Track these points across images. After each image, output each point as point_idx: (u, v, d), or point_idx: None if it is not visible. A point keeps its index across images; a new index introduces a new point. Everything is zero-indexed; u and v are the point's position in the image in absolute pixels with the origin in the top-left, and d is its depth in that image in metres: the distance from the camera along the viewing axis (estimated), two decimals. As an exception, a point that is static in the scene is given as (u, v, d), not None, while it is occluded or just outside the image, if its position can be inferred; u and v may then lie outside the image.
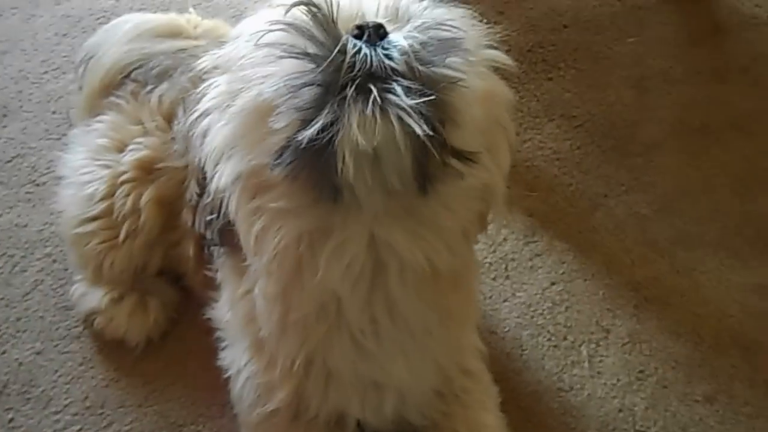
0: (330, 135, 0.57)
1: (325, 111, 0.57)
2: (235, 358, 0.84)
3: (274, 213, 0.64)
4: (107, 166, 1.00)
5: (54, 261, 1.12)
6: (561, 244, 1.13)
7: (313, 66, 0.59)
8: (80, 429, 0.96)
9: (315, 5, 0.61)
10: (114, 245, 1.00)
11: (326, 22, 0.60)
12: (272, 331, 0.75)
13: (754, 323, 1.05)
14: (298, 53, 0.60)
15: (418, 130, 0.57)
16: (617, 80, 1.32)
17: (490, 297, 1.07)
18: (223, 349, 0.88)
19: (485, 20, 0.69)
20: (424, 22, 0.61)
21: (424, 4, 0.64)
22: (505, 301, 1.07)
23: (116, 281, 1.03)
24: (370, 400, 0.80)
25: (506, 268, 1.11)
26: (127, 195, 0.98)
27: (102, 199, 0.99)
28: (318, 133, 0.57)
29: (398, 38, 0.60)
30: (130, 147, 1.00)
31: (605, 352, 1.01)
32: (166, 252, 1.02)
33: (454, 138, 0.60)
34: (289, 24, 0.61)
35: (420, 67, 0.59)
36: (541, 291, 1.08)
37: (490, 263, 1.11)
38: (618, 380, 0.99)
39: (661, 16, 1.40)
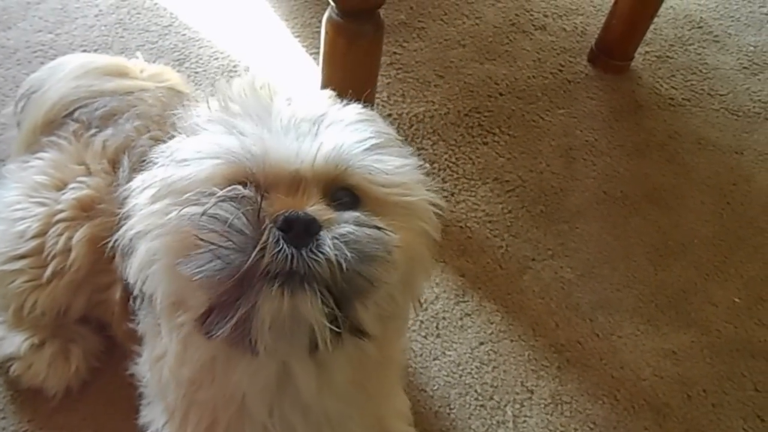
0: (246, 318, 0.61)
1: (242, 301, 0.61)
2: (154, 418, 0.83)
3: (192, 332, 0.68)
4: (43, 204, 0.98)
5: (-27, 301, 1.07)
6: (490, 304, 1.18)
7: (234, 255, 0.61)
8: (-5, 483, 0.92)
9: (242, 198, 0.63)
10: (38, 285, 0.97)
11: (252, 215, 0.62)
12: (178, 404, 0.76)
13: (666, 387, 1.11)
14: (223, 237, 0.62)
15: (320, 337, 0.62)
16: (547, 149, 1.40)
17: (421, 355, 1.10)
18: (143, 406, 0.86)
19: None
20: (353, 235, 0.63)
21: (365, 154, 0.67)
22: (435, 359, 1.10)
23: (37, 325, 1.00)
24: None
25: (437, 327, 1.14)
26: (61, 234, 0.96)
27: (33, 237, 0.96)
28: (235, 317, 0.62)
29: (326, 245, 0.61)
30: (72, 185, 0.98)
31: (529, 413, 1.06)
32: (91, 296, 0.99)
33: (359, 318, 0.66)
34: (215, 215, 0.63)
35: (339, 278, 0.62)
36: (470, 350, 1.12)
37: (422, 321, 1.14)
38: (540, 441, 1.04)
39: (589, 91, 1.50)
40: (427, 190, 0.73)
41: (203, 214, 0.62)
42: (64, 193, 0.98)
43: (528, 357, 1.12)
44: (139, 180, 0.72)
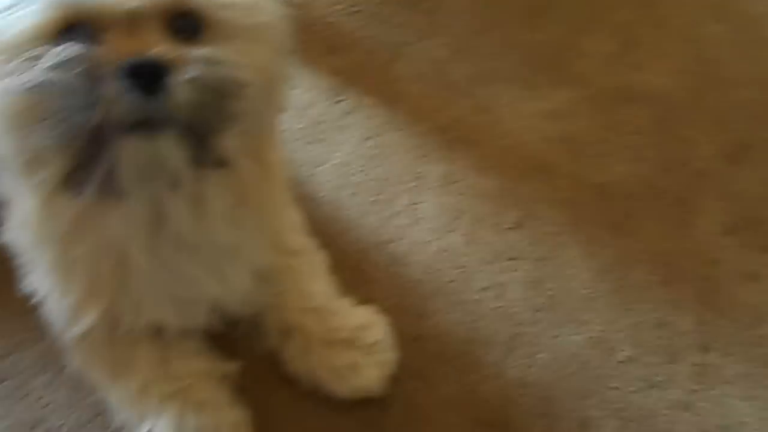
0: (109, 170, 0.59)
1: (102, 156, 0.59)
2: (40, 283, 0.78)
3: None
4: None
5: None
6: (368, 98, 1.13)
7: (81, 115, 0.57)
8: None
9: (75, 57, 0.57)
10: None
11: (91, 69, 0.57)
12: (58, 264, 0.72)
13: (549, 146, 1.12)
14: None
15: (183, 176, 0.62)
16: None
17: (306, 163, 1.06)
18: (25, 274, 0.80)
19: None
20: (203, 77, 0.59)
21: None
22: (320, 165, 1.06)
23: None
24: (184, 312, 0.78)
25: (318, 131, 1.09)
26: None
27: None
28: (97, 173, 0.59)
29: (176, 90, 0.58)
30: None
31: (421, 198, 1.05)
32: None
33: (220, 150, 0.64)
34: (49, 82, 0.57)
35: (194, 119, 0.60)
36: (355, 149, 1.08)
37: (302, 128, 1.09)
38: (436, 223, 1.04)
39: None
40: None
41: (35, 85, 0.57)
42: None
43: (414, 144, 1.10)
44: None
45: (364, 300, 0.96)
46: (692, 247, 1.05)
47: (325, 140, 1.08)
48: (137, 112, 0.57)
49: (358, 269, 0.99)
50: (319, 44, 1.16)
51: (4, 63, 0.59)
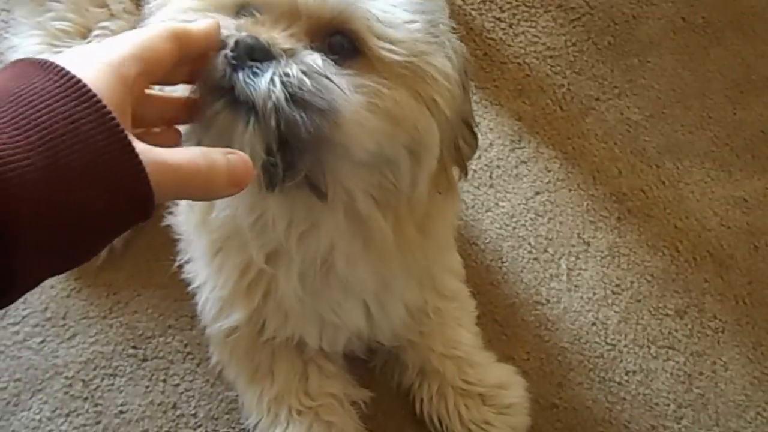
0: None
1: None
2: (198, 272, 0.83)
3: None
4: None
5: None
6: (548, 150, 1.11)
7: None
8: (42, 341, 0.95)
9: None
10: None
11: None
12: (211, 249, 0.76)
13: (732, 238, 1.06)
14: None
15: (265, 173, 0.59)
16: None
17: (472, 207, 1.07)
18: (186, 262, 0.86)
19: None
20: (298, 76, 0.56)
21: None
22: (487, 211, 1.07)
23: None
24: (327, 335, 0.81)
25: (491, 176, 1.09)
26: None
27: None
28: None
29: (262, 76, 0.55)
30: (95, 33, 0.93)
31: (584, 266, 1.03)
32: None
33: (313, 174, 0.61)
34: None
35: (277, 117, 0.56)
36: (524, 201, 1.07)
37: (475, 170, 1.09)
38: (594, 294, 1.02)
39: None
40: (449, 55, 0.62)
41: None
42: (89, 41, 0.92)
43: (586, 207, 1.07)
44: None
45: (505, 357, 0.96)
46: None
47: (496, 186, 1.08)
48: (224, 80, 0.56)
49: (505, 324, 0.99)
50: (508, 84, 1.15)
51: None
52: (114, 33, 0.92)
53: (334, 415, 0.86)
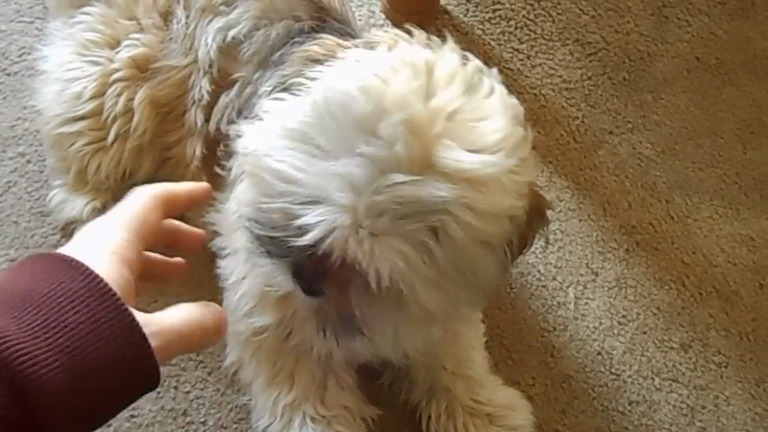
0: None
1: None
2: (236, 267, 0.86)
3: None
4: (97, 63, 0.96)
5: (28, 161, 1.07)
6: (560, 180, 1.13)
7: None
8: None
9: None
10: (101, 147, 0.98)
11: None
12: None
13: (738, 275, 1.08)
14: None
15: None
16: (637, 5, 1.26)
17: (486, 231, 1.08)
18: (223, 257, 0.89)
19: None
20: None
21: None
22: (499, 236, 1.08)
23: (100, 188, 1.01)
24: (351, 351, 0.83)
25: (504, 202, 1.11)
26: (119, 94, 0.96)
27: (91, 98, 0.96)
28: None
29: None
30: (125, 43, 0.96)
31: (591, 295, 1.05)
32: (157, 156, 1.00)
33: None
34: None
35: None
36: (535, 228, 1.09)
37: (488, 195, 1.11)
38: (600, 323, 1.03)
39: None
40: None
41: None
42: (118, 52, 0.96)
43: (596, 238, 1.09)
44: (266, 109, 0.69)
45: (511, 381, 0.97)
46: None
47: (509, 211, 1.10)
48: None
49: (511, 349, 1.01)
50: (524, 113, 1.17)
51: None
52: (144, 45, 0.95)
53: (345, 427, 0.88)
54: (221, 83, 0.91)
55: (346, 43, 0.73)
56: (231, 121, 0.86)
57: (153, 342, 0.47)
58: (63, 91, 0.97)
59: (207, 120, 0.92)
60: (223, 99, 0.90)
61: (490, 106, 0.65)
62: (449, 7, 1.24)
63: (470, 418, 0.91)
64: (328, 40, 0.76)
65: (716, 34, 1.24)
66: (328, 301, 0.67)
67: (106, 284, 0.46)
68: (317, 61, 0.70)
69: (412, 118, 0.59)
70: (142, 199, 0.55)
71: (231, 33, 0.90)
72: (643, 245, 1.09)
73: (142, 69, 0.96)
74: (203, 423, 0.94)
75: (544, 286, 1.05)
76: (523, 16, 1.25)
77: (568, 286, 1.05)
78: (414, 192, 0.59)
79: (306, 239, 0.60)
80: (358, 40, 0.75)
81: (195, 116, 0.94)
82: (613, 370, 1.01)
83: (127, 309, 0.46)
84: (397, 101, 0.59)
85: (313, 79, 0.67)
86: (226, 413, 0.95)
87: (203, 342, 0.54)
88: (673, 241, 1.09)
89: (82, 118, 0.97)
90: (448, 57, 0.66)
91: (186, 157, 0.96)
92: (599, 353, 1.02)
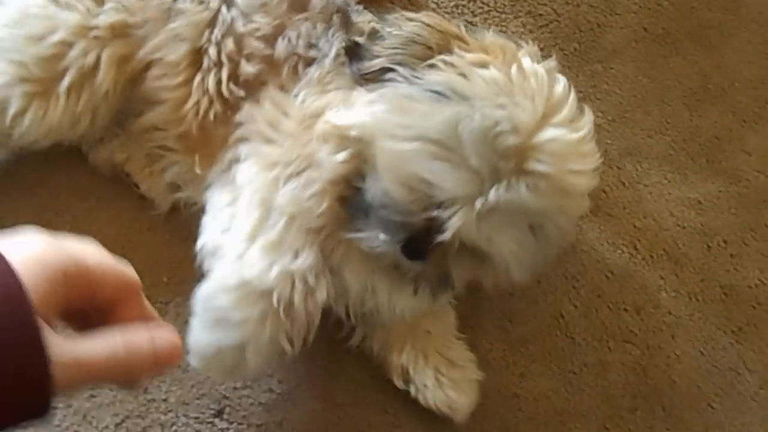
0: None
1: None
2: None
3: None
4: (73, 9, 0.91)
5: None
6: (515, 150, 1.15)
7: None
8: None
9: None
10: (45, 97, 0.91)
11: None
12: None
13: (686, 237, 1.11)
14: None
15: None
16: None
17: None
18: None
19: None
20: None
21: None
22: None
23: None
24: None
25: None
26: (89, 50, 0.91)
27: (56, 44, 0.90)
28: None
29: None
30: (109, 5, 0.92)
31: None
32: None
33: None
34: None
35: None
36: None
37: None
38: (556, 288, 1.06)
39: None
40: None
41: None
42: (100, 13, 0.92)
43: (550, 205, 1.11)
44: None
45: (470, 347, 0.99)
46: (813, 375, 1.02)
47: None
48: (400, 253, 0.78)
49: (469, 315, 1.03)
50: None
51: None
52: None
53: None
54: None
55: (461, 35, 0.82)
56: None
57: (57, 372, 0.42)
58: (20, 32, 0.91)
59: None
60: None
61: (585, 130, 0.81)
62: (402, -20, 1.24)
63: (437, 359, 0.95)
64: (437, 20, 0.83)
65: (662, 5, 1.27)
66: (429, 265, 0.79)
67: (24, 291, 0.41)
68: (430, 49, 0.80)
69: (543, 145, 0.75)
70: (34, 262, 0.45)
71: None
72: (596, 211, 1.11)
73: (117, 33, 0.92)
74: (165, 400, 0.94)
75: (501, 254, 1.07)
76: (476, -11, 1.26)
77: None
78: (527, 199, 0.74)
79: (444, 236, 0.75)
80: (471, 40, 0.83)
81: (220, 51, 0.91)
82: (568, 334, 1.04)
83: (38, 326, 0.41)
84: (530, 130, 0.74)
85: (432, 74, 0.78)
86: (188, 390, 0.95)
87: (128, 378, 0.49)
88: (625, 206, 1.12)
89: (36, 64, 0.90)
90: (561, 81, 0.81)
91: (185, 102, 0.92)
92: (555, 317, 1.04)
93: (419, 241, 0.77)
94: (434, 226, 0.76)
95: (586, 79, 1.21)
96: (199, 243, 0.86)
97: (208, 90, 0.91)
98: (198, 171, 0.92)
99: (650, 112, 1.19)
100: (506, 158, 0.73)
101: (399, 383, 0.95)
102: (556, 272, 1.06)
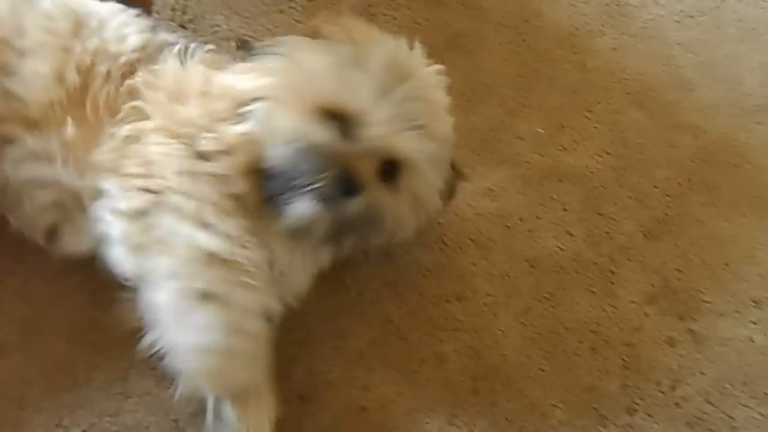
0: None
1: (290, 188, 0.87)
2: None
3: None
4: None
5: None
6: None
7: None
8: None
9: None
10: None
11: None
12: None
13: (486, 223, 1.20)
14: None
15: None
16: (344, 8, 1.37)
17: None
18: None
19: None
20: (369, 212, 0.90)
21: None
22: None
23: None
24: None
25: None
26: None
27: None
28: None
29: (349, 207, 0.87)
30: None
31: (367, 273, 1.11)
32: None
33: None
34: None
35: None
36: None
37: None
38: (379, 295, 1.09)
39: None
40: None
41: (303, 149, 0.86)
42: None
43: (358, 221, 1.15)
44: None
45: (308, 372, 1.00)
46: (617, 316, 1.13)
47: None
48: (329, 194, 0.85)
49: (303, 344, 1.03)
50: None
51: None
52: None
53: None
54: None
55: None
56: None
57: None
58: None
59: None
60: None
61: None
62: None
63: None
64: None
65: (419, 22, 1.38)
66: (360, 201, 0.86)
67: None
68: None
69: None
70: None
71: None
72: (401, 217, 1.17)
73: None
74: None
75: (320, 275, 1.09)
76: (244, 33, 1.30)
77: (342, 271, 1.10)
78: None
79: (370, 146, 0.87)
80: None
81: None
82: (400, 336, 1.07)
83: None
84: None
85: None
86: None
87: None
88: (426, 207, 1.19)
89: None
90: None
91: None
92: (384, 323, 1.08)
93: (350, 172, 0.84)
94: (355, 152, 0.85)
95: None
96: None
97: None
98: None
99: (430, 118, 1.28)
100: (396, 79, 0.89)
101: None
102: (376, 282, 1.10)
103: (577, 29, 1.41)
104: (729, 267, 1.18)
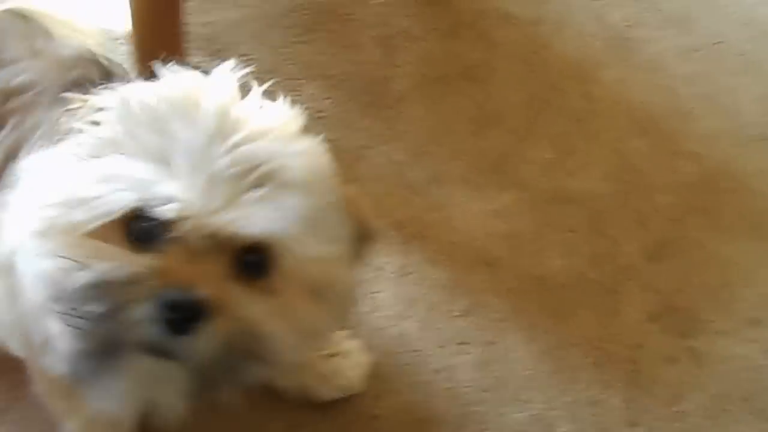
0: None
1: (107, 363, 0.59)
2: None
3: None
4: None
5: None
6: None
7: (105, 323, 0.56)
8: None
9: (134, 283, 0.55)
10: None
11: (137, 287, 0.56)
12: None
13: (495, 242, 1.25)
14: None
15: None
16: (366, 40, 1.45)
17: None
18: None
19: None
20: (239, 335, 0.58)
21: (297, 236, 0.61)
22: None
23: None
24: None
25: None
26: None
27: None
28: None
29: (203, 341, 0.56)
30: None
31: (379, 288, 1.16)
32: None
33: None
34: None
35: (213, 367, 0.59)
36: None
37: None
38: (392, 310, 1.15)
39: (397, -23, 1.55)
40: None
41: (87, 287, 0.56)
42: None
43: (373, 238, 1.21)
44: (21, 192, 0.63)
45: (327, 380, 1.05)
46: (620, 333, 1.18)
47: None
48: (156, 342, 0.56)
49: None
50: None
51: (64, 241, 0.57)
52: None
53: None
54: None
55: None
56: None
57: None
58: None
59: None
60: None
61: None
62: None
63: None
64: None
65: (434, 53, 1.46)
66: (210, 329, 0.56)
67: None
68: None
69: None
70: None
71: None
72: (415, 235, 1.23)
73: None
74: None
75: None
76: (270, 63, 1.37)
77: (357, 285, 1.16)
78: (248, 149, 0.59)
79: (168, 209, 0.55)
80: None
81: None
82: (413, 348, 1.13)
83: None
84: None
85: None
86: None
87: None
88: (438, 227, 1.25)
89: None
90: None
91: None
92: (397, 336, 1.13)
93: (178, 290, 0.55)
94: (177, 257, 0.56)
95: (383, 123, 1.35)
96: None
97: None
98: None
99: (442, 143, 1.35)
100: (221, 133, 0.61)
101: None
102: (390, 297, 1.16)
103: (584, 61, 1.48)
104: (728, 288, 1.23)
